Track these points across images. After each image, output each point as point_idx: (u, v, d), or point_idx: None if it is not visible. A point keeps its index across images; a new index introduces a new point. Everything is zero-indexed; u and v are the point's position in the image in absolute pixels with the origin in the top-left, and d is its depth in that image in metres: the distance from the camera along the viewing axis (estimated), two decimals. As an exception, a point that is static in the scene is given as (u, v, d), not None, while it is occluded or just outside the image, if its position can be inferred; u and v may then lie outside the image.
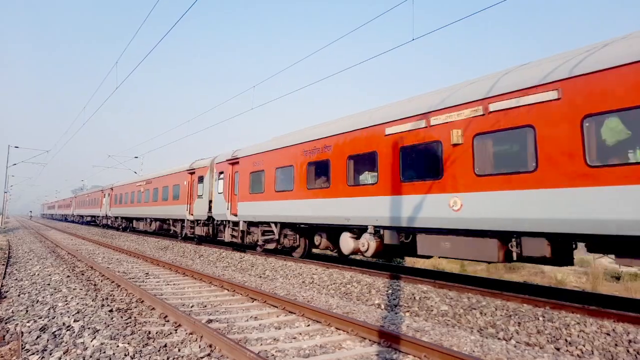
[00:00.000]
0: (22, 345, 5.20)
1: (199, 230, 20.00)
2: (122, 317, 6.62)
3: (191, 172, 20.99)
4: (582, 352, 5.60)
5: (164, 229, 26.04)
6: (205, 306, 7.72)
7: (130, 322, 6.29)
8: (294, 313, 7.10)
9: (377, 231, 10.27)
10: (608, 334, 5.96)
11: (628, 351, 5.49)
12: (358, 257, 15.78)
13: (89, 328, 5.86)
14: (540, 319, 6.68)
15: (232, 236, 17.02)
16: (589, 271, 18.23)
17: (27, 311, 7.04)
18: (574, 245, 7.60)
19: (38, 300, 7.79)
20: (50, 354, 4.88)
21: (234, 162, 17.26)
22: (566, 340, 5.94)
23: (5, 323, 6.35)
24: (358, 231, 11.04)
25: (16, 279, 10.28)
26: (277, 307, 7.54)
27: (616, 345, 5.67)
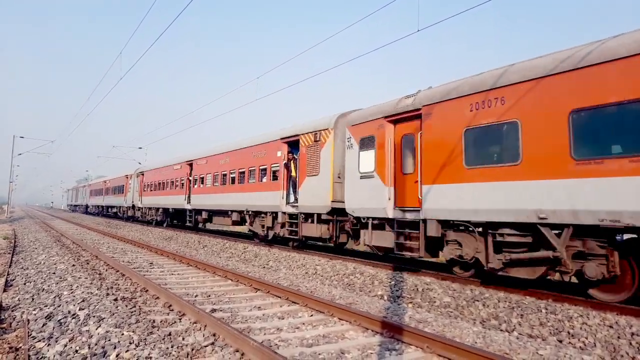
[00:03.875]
0: (28, 332, 5.27)
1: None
2: (126, 305, 6.67)
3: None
4: (585, 345, 5.60)
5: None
6: (209, 296, 7.78)
7: (135, 311, 6.35)
8: (297, 303, 7.14)
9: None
10: (611, 327, 5.95)
11: (630, 344, 5.49)
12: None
13: (94, 316, 5.92)
14: (543, 311, 6.68)
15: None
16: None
17: (33, 299, 7.11)
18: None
19: (44, 289, 7.87)
20: (56, 341, 4.94)
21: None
22: (569, 332, 5.95)
23: (12, 311, 6.43)
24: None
25: (22, 268, 10.38)
26: (280, 297, 7.58)
27: (619, 337, 5.66)
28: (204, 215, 21.24)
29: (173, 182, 25.14)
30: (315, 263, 11.49)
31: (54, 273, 9.54)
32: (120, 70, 15.35)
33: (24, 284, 8.45)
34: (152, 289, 7.79)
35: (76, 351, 4.66)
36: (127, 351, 4.65)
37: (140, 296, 7.47)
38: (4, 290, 7.79)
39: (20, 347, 4.87)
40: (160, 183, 27.43)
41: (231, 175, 18.34)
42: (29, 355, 4.55)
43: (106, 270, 10.17)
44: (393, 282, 8.98)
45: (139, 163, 40.55)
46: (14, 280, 8.89)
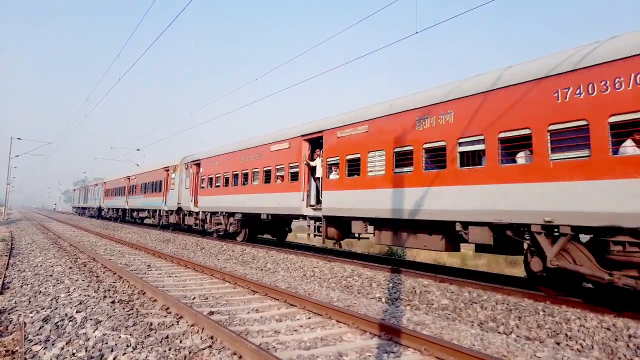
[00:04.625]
0: (25, 335, 5.24)
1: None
2: (124, 308, 6.65)
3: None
4: (582, 347, 5.61)
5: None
6: (207, 298, 7.76)
7: (132, 314, 6.33)
8: (295, 306, 7.13)
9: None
10: (608, 329, 5.97)
11: (628, 346, 5.50)
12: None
13: (91, 319, 5.90)
14: (541, 313, 6.69)
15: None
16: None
17: (29, 302, 7.08)
18: None
19: (41, 291, 7.84)
20: (53, 345, 4.92)
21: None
22: (566, 334, 5.96)
23: (8, 313, 6.40)
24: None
25: (19, 270, 10.34)
26: (278, 299, 7.57)
27: (616, 340, 5.68)
28: (360, 226, 11.38)
29: (268, 172, 15.25)
30: (313, 265, 11.48)
31: (51, 275, 9.51)
32: (118, 72, 15.32)
33: (21, 286, 8.42)
34: (150, 291, 7.77)
35: (73, 354, 4.64)
36: (124, 354, 4.63)
37: (138, 299, 7.44)
38: (1, 293, 7.75)
39: (17, 350, 4.85)
40: (237, 175, 17.31)
41: (512, 146, 7.98)
42: (26, 359, 4.53)
43: (103, 273, 10.14)
44: (391, 285, 8.98)
45: (137, 165, 40.37)
46: (10, 282, 8.85)
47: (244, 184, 16.73)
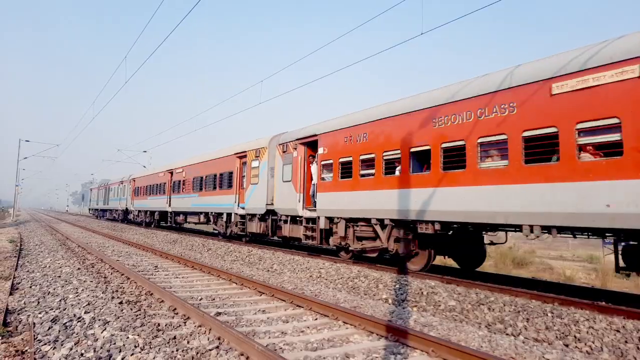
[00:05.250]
0: (34, 335, 5.29)
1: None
2: (131, 309, 6.69)
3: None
4: (591, 349, 5.56)
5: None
6: (214, 299, 7.79)
7: (140, 315, 6.36)
8: (302, 307, 7.13)
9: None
10: (618, 331, 5.90)
11: (638, 348, 5.44)
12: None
13: (99, 320, 5.94)
14: (549, 315, 6.63)
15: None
16: (599, 267, 18.10)
17: (38, 302, 7.15)
18: None
19: (49, 292, 7.91)
20: (62, 345, 4.96)
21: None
22: (575, 336, 5.90)
23: (18, 314, 6.46)
24: None
25: (28, 271, 10.44)
26: (285, 300, 7.58)
27: (626, 342, 5.61)
28: None
29: (534, 140, 7.48)
30: (320, 266, 11.47)
31: (60, 276, 9.59)
32: (125, 74, 15.41)
33: (30, 287, 8.50)
34: (157, 292, 7.81)
35: (82, 354, 4.68)
36: (132, 355, 4.66)
37: (145, 299, 7.48)
38: (10, 294, 7.83)
39: (27, 350, 4.90)
40: (425, 153, 9.61)
41: None
42: (35, 359, 4.58)
43: (111, 274, 10.21)
44: (397, 286, 8.95)
45: (144, 166, 40.53)
46: (20, 283, 8.94)
47: (447, 169, 9.03)
